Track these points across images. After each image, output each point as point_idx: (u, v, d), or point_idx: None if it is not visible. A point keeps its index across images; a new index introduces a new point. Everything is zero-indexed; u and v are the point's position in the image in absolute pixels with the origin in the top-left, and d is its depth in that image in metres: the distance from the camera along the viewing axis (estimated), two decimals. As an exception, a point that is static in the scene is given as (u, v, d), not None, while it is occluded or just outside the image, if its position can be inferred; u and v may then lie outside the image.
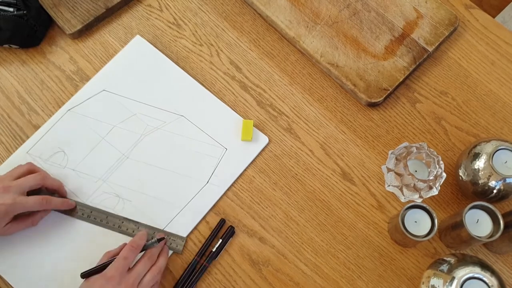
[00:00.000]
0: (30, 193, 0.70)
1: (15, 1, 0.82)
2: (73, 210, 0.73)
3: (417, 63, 0.83)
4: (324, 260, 0.74)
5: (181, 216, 0.75)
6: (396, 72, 0.82)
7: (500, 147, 0.70)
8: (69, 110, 0.80)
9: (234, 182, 0.77)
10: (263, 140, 0.80)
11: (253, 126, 0.80)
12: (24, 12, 0.82)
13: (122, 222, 0.73)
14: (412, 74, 0.85)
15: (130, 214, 0.74)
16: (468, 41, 0.88)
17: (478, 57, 0.87)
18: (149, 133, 0.79)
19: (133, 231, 0.73)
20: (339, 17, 0.86)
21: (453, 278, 0.61)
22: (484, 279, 0.61)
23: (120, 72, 0.83)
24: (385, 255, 0.74)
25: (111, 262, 0.65)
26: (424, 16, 0.86)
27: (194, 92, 0.83)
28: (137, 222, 0.73)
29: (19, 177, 0.70)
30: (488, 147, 0.71)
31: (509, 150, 0.70)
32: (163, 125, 0.80)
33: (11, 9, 0.82)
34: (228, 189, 0.77)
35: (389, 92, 0.81)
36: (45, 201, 0.70)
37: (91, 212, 0.73)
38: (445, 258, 0.66)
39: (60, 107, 0.81)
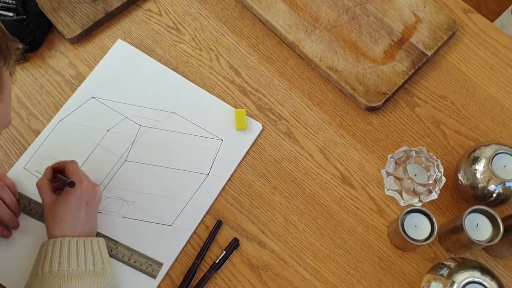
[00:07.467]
0: None
1: (15, 6, 0.82)
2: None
3: (416, 67, 0.83)
4: (323, 264, 0.73)
5: (187, 210, 0.75)
6: (395, 76, 0.82)
7: (499, 151, 0.70)
8: (60, 121, 0.80)
9: (231, 183, 0.77)
10: (257, 127, 0.80)
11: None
12: (24, 17, 0.82)
13: None
14: (411, 78, 0.85)
15: (135, 215, 0.74)
16: (467, 45, 0.88)
17: (477, 61, 0.87)
18: (143, 133, 0.79)
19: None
20: (338, 21, 0.86)
21: (453, 282, 0.61)
22: (484, 283, 0.61)
23: (106, 78, 0.83)
24: (384, 259, 0.74)
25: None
26: (423, 20, 0.86)
27: (182, 88, 0.83)
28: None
29: None
30: (488, 151, 0.71)
31: (508, 154, 0.70)
32: (156, 124, 0.80)
33: (10, 14, 0.82)
34: (227, 193, 0.77)
35: (388, 96, 0.81)
36: None
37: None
38: (445, 263, 0.66)
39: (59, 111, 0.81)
